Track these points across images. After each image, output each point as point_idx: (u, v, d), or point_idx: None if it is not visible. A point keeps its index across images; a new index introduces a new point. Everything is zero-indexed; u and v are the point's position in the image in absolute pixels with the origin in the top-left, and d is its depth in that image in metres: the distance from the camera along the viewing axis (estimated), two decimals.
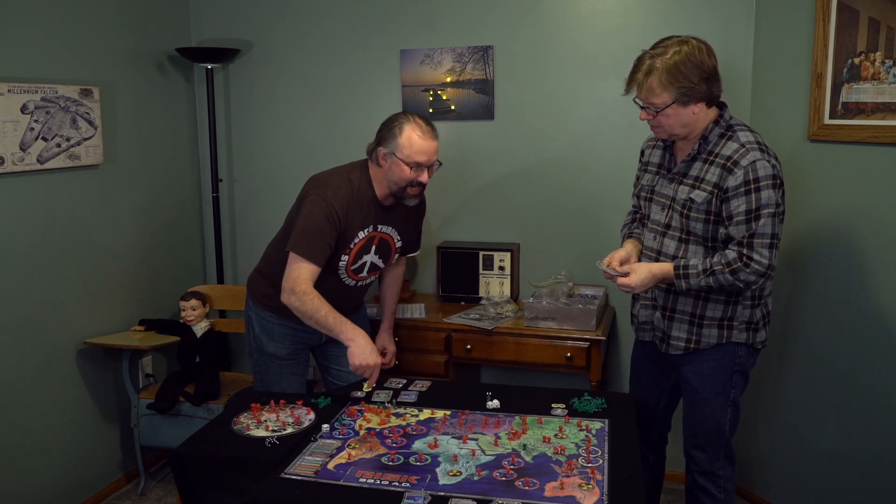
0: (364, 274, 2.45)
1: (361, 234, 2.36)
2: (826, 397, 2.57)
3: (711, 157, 1.99)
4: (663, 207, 2.11)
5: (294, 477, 1.70)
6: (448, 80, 3.17)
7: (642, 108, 2.00)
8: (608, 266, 2.08)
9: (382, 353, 2.55)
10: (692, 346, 2.10)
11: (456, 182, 3.25)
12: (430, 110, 3.21)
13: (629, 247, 2.20)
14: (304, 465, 1.75)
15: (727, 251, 1.96)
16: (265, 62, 3.38)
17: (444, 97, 3.18)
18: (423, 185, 2.33)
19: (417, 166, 2.27)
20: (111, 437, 3.10)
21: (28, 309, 2.68)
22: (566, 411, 2.03)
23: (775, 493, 2.84)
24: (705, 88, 1.93)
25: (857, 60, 2.34)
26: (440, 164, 2.37)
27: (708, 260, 1.98)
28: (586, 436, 1.88)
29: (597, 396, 2.11)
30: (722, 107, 2.04)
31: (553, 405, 2.06)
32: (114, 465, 3.12)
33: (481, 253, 3.08)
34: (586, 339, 2.69)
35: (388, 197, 2.37)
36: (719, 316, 2.06)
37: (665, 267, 2.02)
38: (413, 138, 2.25)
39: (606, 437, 1.87)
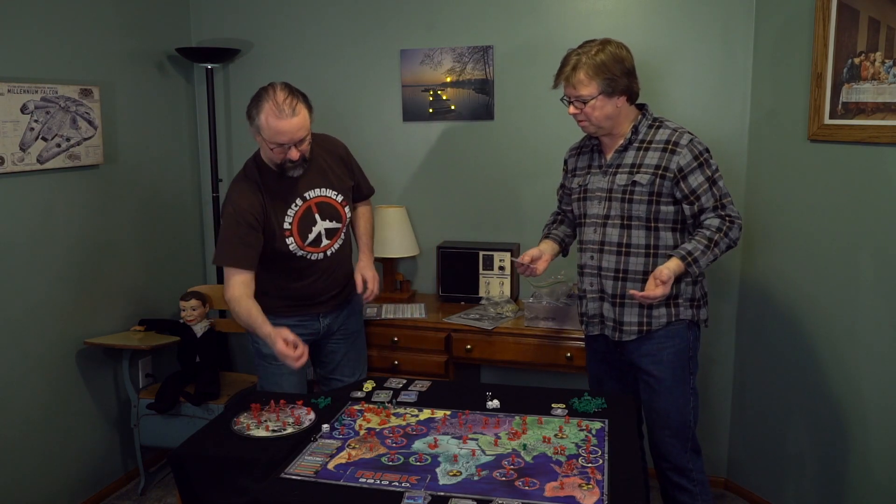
0: (326, 242, 2.42)
1: (291, 212, 2.35)
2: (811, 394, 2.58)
3: (645, 144, 2.16)
4: (600, 200, 2.22)
5: (294, 477, 1.70)
6: (448, 80, 3.17)
7: (570, 103, 2.16)
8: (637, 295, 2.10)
9: (364, 283, 2.51)
10: (644, 328, 2.19)
11: (456, 182, 3.25)
12: (430, 110, 3.21)
13: (543, 246, 2.36)
14: (304, 465, 1.75)
15: (708, 221, 2.12)
16: (265, 62, 3.38)
17: (444, 97, 3.18)
18: (297, 161, 2.25)
19: (280, 146, 2.21)
20: (111, 437, 3.10)
21: (28, 309, 2.68)
22: (566, 411, 2.03)
23: (761, 485, 2.85)
24: (626, 82, 2.12)
25: (857, 60, 2.34)
26: (311, 138, 2.28)
27: (700, 238, 2.10)
28: (586, 436, 1.88)
29: (597, 396, 2.11)
30: (643, 107, 2.22)
31: (553, 405, 2.06)
32: (114, 465, 3.12)
33: (481, 253, 3.08)
34: None
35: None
36: (666, 294, 2.15)
37: (671, 265, 2.08)
38: (270, 119, 2.16)
39: (606, 437, 1.87)
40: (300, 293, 2.45)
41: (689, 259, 2.08)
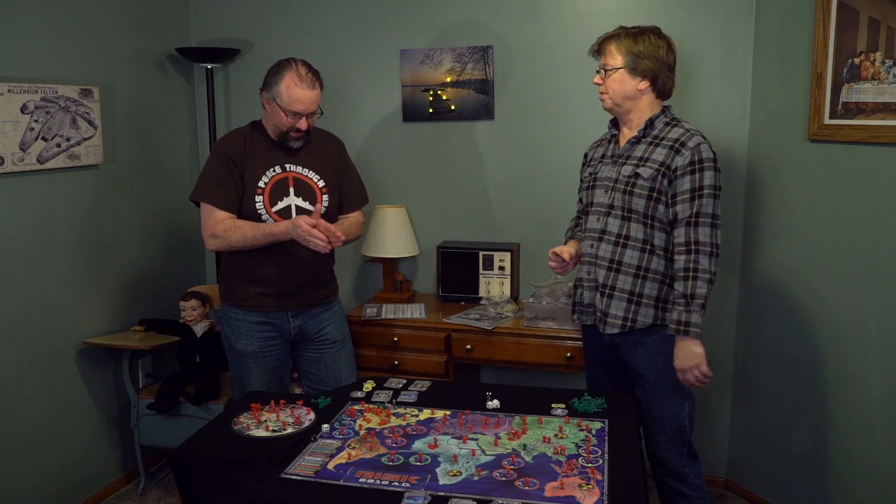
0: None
1: (269, 173, 2.41)
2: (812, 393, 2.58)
3: (657, 140, 2.17)
4: (606, 190, 2.23)
5: (294, 477, 1.70)
6: (448, 80, 3.17)
7: (598, 72, 2.22)
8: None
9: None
10: (628, 324, 2.18)
11: (456, 182, 3.25)
12: (430, 110, 3.21)
13: (571, 244, 2.37)
14: (304, 465, 1.75)
15: (676, 263, 2.09)
16: (265, 62, 3.32)
17: (444, 97, 3.18)
18: (303, 132, 2.39)
19: (294, 115, 2.35)
20: (111, 437, 3.10)
21: (28, 309, 2.68)
22: (566, 411, 2.03)
23: (763, 487, 2.85)
24: (653, 66, 2.14)
25: (857, 60, 2.34)
26: (321, 112, 2.43)
27: (676, 300, 2.08)
28: (586, 436, 1.88)
29: (597, 396, 2.11)
30: (666, 107, 2.24)
31: (553, 405, 2.06)
32: (114, 465, 3.12)
33: (481, 253, 3.08)
34: None
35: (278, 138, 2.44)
36: (655, 296, 2.16)
37: (680, 346, 2.09)
38: (291, 87, 2.32)
39: (606, 437, 1.87)
40: (267, 271, 2.43)
41: (681, 328, 2.06)
